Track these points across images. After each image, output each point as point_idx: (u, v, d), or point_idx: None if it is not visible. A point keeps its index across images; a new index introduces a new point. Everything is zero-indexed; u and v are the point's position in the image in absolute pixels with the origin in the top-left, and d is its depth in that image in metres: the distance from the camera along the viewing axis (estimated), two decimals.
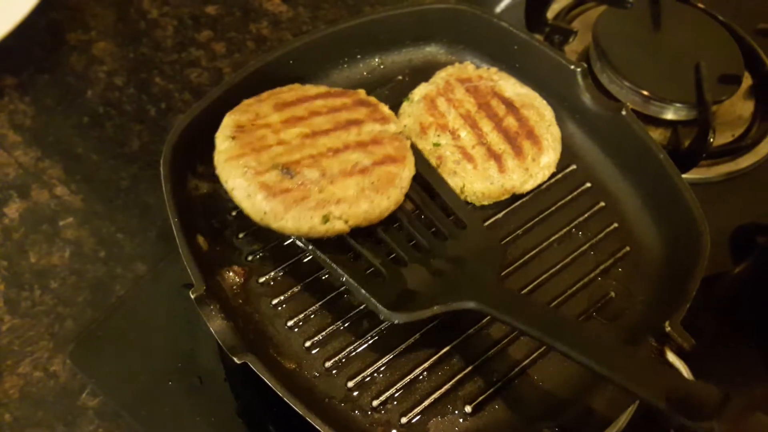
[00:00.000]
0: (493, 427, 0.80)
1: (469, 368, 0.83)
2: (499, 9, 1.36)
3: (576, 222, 0.97)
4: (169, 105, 1.15)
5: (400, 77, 1.08)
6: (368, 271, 0.83)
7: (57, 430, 0.85)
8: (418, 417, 0.80)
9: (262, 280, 0.86)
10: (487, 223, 0.95)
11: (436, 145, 0.96)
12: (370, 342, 0.84)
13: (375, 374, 0.82)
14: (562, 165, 1.01)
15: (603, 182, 1.02)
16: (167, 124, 1.12)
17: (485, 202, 0.96)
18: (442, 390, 0.82)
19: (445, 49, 1.11)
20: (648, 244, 0.96)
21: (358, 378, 0.81)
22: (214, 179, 0.82)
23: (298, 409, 0.70)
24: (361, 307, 0.85)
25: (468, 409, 0.81)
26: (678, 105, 1.17)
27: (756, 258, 1.10)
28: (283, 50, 0.97)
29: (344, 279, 0.80)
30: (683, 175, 0.94)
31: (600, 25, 1.25)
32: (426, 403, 0.81)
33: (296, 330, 0.83)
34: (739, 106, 1.26)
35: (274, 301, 0.85)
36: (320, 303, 0.85)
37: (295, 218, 0.77)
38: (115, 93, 1.15)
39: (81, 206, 1.02)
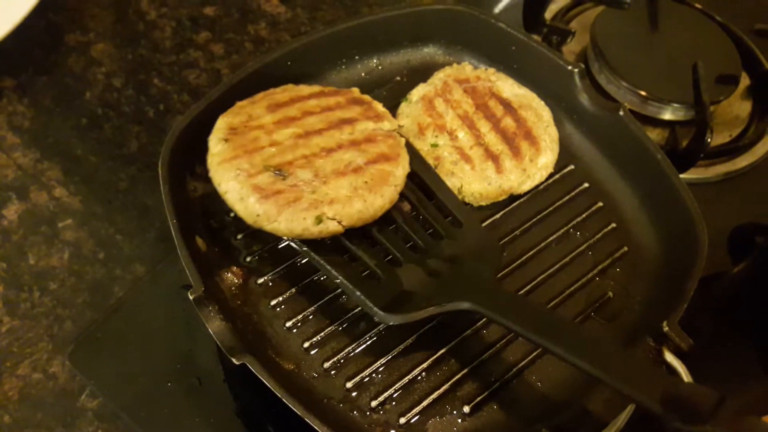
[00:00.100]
0: (491, 428, 0.81)
1: (467, 369, 0.84)
2: (497, 10, 1.37)
3: (574, 222, 0.97)
4: (168, 106, 1.15)
5: (398, 78, 1.08)
6: (364, 273, 0.82)
7: (56, 431, 0.86)
8: (416, 417, 0.80)
9: (260, 281, 0.86)
10: (485, 224, 0.95)
11: (434, 145, 0.96)
12: (368, 343, 0.84)
13: (373, 375, 0.82)
14: (559, 165, 1.01)
15: (601, 182, 1.02)
16: (166, 125, 1.13)
17: (483, 203, 0.96)
18: (441, 390, 0.82)
19: (443, 50, 1.12)
20: (646, 244, 0.96)
21: (357, 378, 0.81)
22: None
23: (297, 410, 0.70)
24: (360, 309, 0.85)
25: (466, 409, 0.81)
26: (676, 105, 1.17)
27: (754, 258, 1.10)
28: (282, 51, 0.97)
29: (339, 281, 0.80)
30: (681, 176, 0.95)
31: (598, 26, 1.25)
32: (424, 403, 0.81)
33: (295, 331, 0.83)
34: (737, 106, 1.26)
35: (273, 302, 0.85)
36: (319, 304, 0.86)
37: (288, 220, 0.76)
38: (114, 94, 1.15)
39: (80, 208, 1.02)
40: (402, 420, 0.79)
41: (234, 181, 0.78)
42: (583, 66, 1.02)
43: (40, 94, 1.14)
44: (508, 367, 0.84)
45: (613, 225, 0.98)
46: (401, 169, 0.84)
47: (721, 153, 1.18)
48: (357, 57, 1.07)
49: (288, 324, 0.84)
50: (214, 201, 0.88)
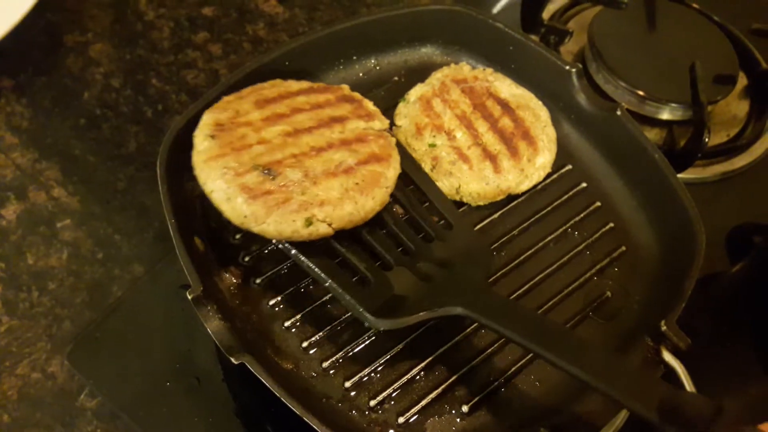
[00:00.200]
0: (490, 427, 0.81)
1: (466, 368, 0.84)
2: (495, 10, 1.37)
3: (572, 222, 0.98)
4: (166, 106, 1.15)
5: (395, 78, 1.09)
6: (354, 277, 0.81)
7: (55, 430, 0.86)
8: (415, 417, 0.80)
9: (259, 280, 0.86)
10: (483, 224, 0.96)
11: (432, 145, 0.96)
12: (367, 342, 0.84)
13: (372, 374, 0.82)
14: (557, 165, 1.01)
15: (599, 182, 1.02)
16: (164, 125, 1.13)
17: (481, 203, 0.96)
18: (439, 390, 0.82)
19: (440, 50, 1.12)
20: (644, 243, 0.97)
21: (356, 378, 0.81)
22: None
23: (296, 410, 0.70)
24: None
25: (465, 408, 0.81)
26: (673, 105, 1.17)
27: (752, 258, 1.10)
28: (279, 51, 0.97)
29: (328, 284, 0.78)
30: (679, 175, 0.95)
31: (595, 26, 1.25)
32: (423, 402, 0.81)
33: (294, 330, 0.84)
34: (734, 106, 1.26)
35: (272, 302, 0.85)
36: (317, 303, 0.86)
37: (276, 222, 0.74)
38: (112, 94, 1.16)
39: (78, 208, 1.02)
40: (401, 419, 0.79)
41: (221, 180, 0.75)
42: (580, 66, 1.03)
43: (38, 94, 1.14)
44: (507, 366, 0.85)
45: (611, 225, 0.98)
46: (392, 170, 0.83)
47: (718, 153, 1.18)
48: (355, 57, 1.07)
49: (287, 323, 0.84)
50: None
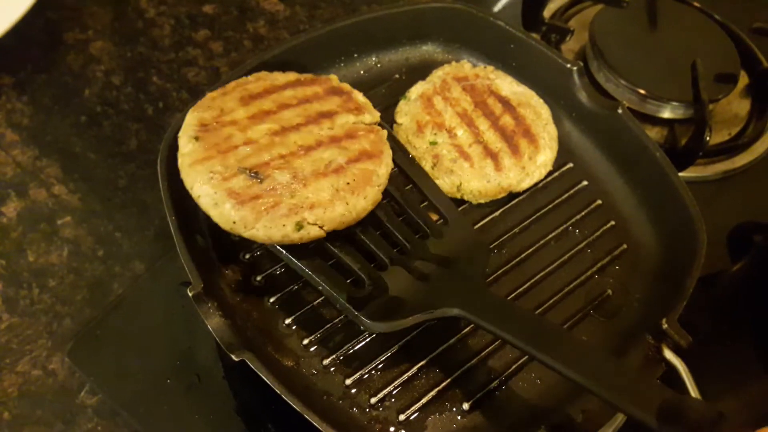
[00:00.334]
0: (490, 425, 0.81)
1: (467, 366, 0.84)
2: (496, 8, 1.37)
3: (573, 220, 0.98)
4: (167, 104, 1.15)
5: (397, 76, 1.09)
6: (349, 279, 0.80)
7: (56, 428, 0.85)
8: (416, 414, 0.80)
9: (259, 278, 0.86)
10: (483, 222, 0.96)
11: (433, 143, 0.96)
12: (367, 340, 0.84)
13: (373, 372, 0.82)
14: (558, 163, 1.01)
15: (600, 180, 1.02)
16: (164, 123, 1.13)
17: (482, 201, 0.96)
18: (440, 387, 0.82)
19: (441, 48, 1.12)
20: (645, 241, 0.97)
21: (356, 375, 0.81)
22: None
23: (296, 407, 0.70)
24: None
25: (465, 406, 0.81)
26: (675, 103, 1.17)
27: (753, 256, 1.10)
28: (280, 49, 0.97)
29: (321, 288, 0.77)
30: (680, 174, 0.95)
31: (596, 24, 1.25)
32: (424, 400, 0.81)
33: (294, 328, 0.83)
34: (736, 105, 1.26)
35: (272, 299, 0.85)
36: (318, 301, 0.85)
37: (266, 227, 0.72)
38: (113, 92, 1.15)
39: (79, 205, 1.02)
40: (401, 417, 0.79)
41: (207, 185, 0.73)
42: (581, 64, 1.03)
43: (39, 91, 1.13)
44: (508, 364, 0.85)
45: (612, 223, 0.98)
46: (384, 167, 0.80)
47: (720, 151, 1.18)
48: (356, 55, 1.07)
49: (287, 321, 0.84)
50: None
